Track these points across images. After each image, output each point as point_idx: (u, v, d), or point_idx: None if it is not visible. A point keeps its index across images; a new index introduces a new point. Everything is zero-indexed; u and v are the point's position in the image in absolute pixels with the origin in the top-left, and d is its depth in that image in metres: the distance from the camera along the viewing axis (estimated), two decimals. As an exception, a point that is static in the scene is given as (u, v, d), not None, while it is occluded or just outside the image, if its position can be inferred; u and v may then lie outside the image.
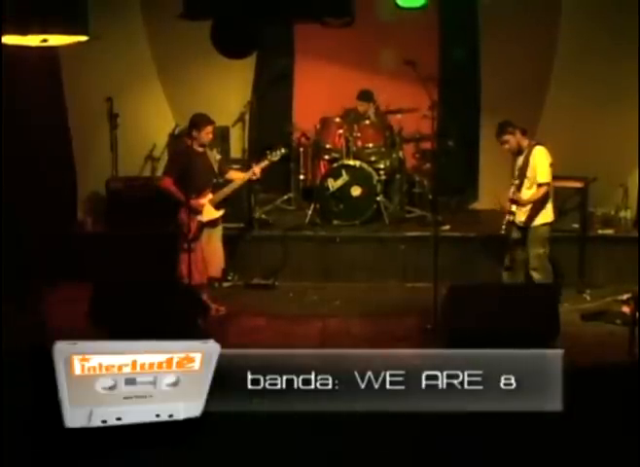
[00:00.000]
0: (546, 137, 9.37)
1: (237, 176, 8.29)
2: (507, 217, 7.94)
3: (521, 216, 7.93)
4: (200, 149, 7.97)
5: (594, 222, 9.49)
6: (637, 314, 7.13)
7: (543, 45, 9.75)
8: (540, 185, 7.84)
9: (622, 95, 9.13)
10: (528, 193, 7.90)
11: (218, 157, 8.28)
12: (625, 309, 7.83)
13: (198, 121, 7.92)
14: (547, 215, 7.96)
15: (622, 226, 9.55)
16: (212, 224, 8.09)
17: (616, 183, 9.65)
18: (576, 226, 9.10)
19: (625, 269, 8.77)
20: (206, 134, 7.90)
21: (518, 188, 7.90)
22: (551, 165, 7.88)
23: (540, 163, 7.83)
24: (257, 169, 8.20)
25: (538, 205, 7.90)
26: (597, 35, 9.42)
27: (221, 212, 8.12)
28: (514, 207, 7.91)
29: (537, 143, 7.93)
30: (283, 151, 8.38)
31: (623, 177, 9.73)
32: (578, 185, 9.16)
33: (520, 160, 7.92)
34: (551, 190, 7.97)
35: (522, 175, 7.88)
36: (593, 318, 8.03)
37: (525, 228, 7.96)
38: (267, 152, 8.36)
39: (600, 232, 9.41)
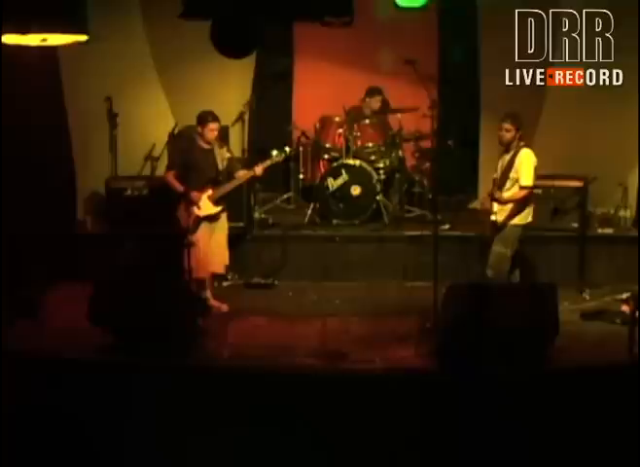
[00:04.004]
0: (546, 137, 9.41)
1: (242, 174, 8.33)
2: (491, 217, 7.94)
3: (502, 215, 7.90)
4: (206, 146, 8.10)
5: (594, 221, 9.49)
6: (637, 313, 7.14)
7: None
8: (522, 187, 7.80)
9: (621, 95, 9.12)
10: (509, 193, 7.87)
11: (227, 155, 8.34)
12: (625, 309, 7.83)
13: (203, 117, 8.05)
14: (522, 217, 7.87)
15: (621, 225, 9.56)
16: (211, 219, 8.13)
17: (615, 182, 9.65)
18: (575, 225, 9.10)
19: (625, 269, 8.77)
20: (210, 131, 8.02)
21: (500, 187, 7.88)
22: (536, 169, 7.85)
23: (525, 166, 7.77)
24: (259, 169, 8.24)
25: (517, 206, 7.84)
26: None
27: (219, 208, 8.15)
28: (495, 207, 7.90)
29: (525, 145, 7.90)
30: (288, 152, 8.45)
31: (623, 177, 9.73)
32: (577, 184, 9.16)
33: (506, 158, 7.89)
34: (533, 193, 7.91)
35: (505, 175, 7.85)
36: (593, 317, 8.02)
37: (501, 227, 7.91)
38: (273, 153, 8.38)
39: (600, 231, 9.42)
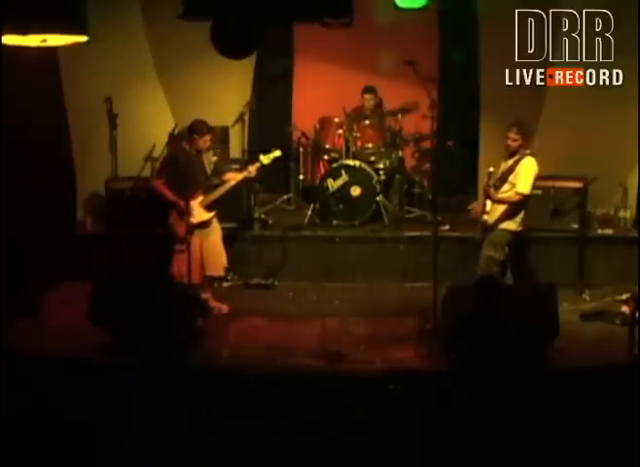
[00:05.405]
0: (546, 137, 9.41)
1: (232, 177, 8.33)
2: (483, 217, 7.96)
3: (493, 216, 7.91)
4: (194, 151, 8.09)
5: (594, 222, 9.49)
6: (637, 314, 7.14)
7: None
8: (517, 193, 7.83)
9: (621, 95, 9.13)
10: (503, 195, 7.88)
11: (214, 158, 8.35)
12: (625, 309, 7.84)
13: (200, 128, 8.06)
14: (512, 223, 7.90)
15: (621, 226, 9.57)
16: (203, 225, 8.13)
17: (615, 183, 9.65)
18: (575, 226, 9.11)
19: (625, 270, 8.78)
20: (205, 142, 8.07)
21: (496, 188, 7.88)
22: (536, 178, 7.89)
23: (525, 174, 7.82)
24: (252, 168, 8.29)
25: (509, 209, 7.86)
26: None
27: (211, 214, 8.16)
28: (488, 206, 7.90)
29: (530, 153, 7.93)
30: (276, 154, 8.43)
31: (623, 177, 9.73)
32: (577, 185, 9.17)
33: (509, 162, 7.91)
34: (527, 201, 7.93)
35: (504, 179, 7.87)
36: (593, 318, 8.04)
37: (491, 228, 7.92)
38: (261, 155, 8.40)
39: (600, 232, 9.42)
